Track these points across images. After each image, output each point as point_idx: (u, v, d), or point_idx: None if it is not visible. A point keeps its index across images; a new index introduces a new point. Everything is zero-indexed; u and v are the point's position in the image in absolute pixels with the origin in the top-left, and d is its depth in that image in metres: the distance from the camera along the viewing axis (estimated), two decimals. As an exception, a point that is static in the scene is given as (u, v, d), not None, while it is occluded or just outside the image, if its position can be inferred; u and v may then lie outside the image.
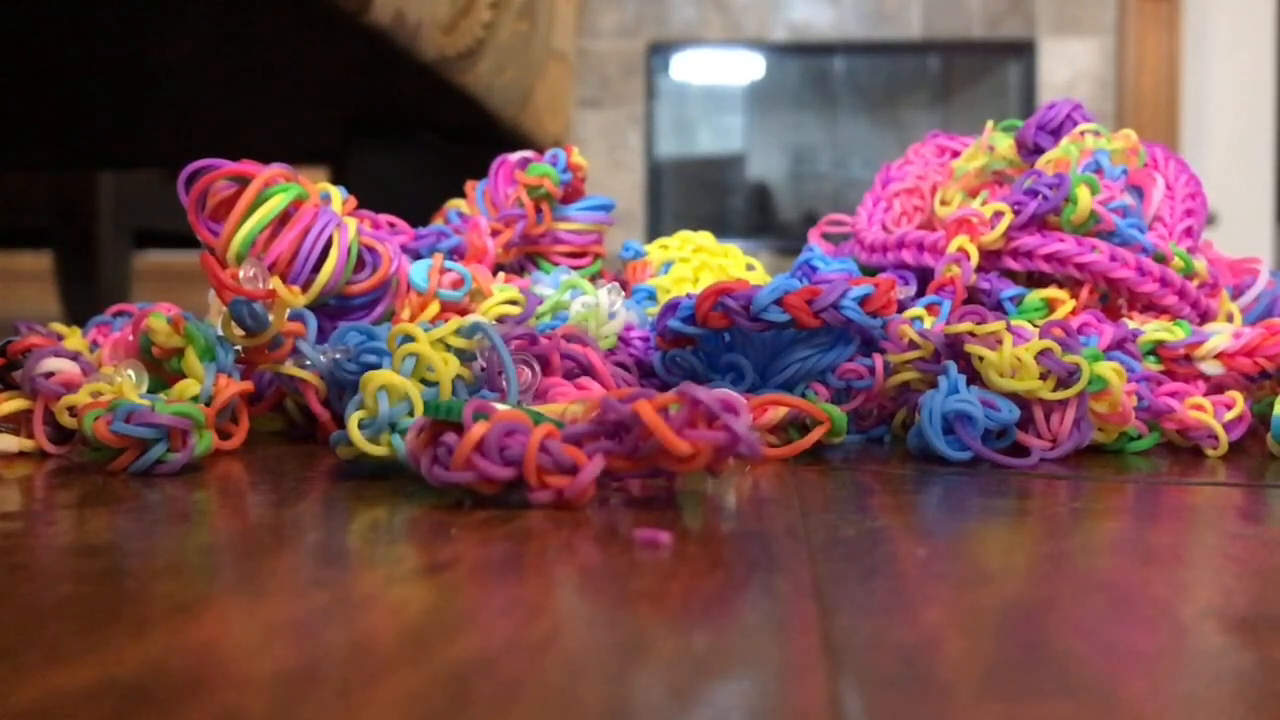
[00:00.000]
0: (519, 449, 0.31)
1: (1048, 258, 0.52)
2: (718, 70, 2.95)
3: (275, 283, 0.43)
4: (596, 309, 0.51)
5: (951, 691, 0.18)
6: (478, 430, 0.31)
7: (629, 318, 0.52)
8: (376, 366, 0.41)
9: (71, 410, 0.39)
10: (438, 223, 0.61)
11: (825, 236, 0.68)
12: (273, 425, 0.48)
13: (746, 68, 2.95)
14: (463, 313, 0.50)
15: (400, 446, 0.35)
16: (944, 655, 0.19)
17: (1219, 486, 0.39)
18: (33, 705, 0.16)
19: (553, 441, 0.31)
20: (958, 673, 0.18)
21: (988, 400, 0.41)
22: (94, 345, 0.50)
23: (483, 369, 0.41)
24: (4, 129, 1.18)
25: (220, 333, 0.42)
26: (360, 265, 0.47)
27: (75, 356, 0.42)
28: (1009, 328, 0.43)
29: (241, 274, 0.43)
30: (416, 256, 0.55)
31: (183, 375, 0.40)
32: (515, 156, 0.60)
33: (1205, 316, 0.54)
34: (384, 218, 0.56)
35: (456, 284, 0.50)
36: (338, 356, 0.42)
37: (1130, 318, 0.52)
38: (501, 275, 0.56)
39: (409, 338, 0.39)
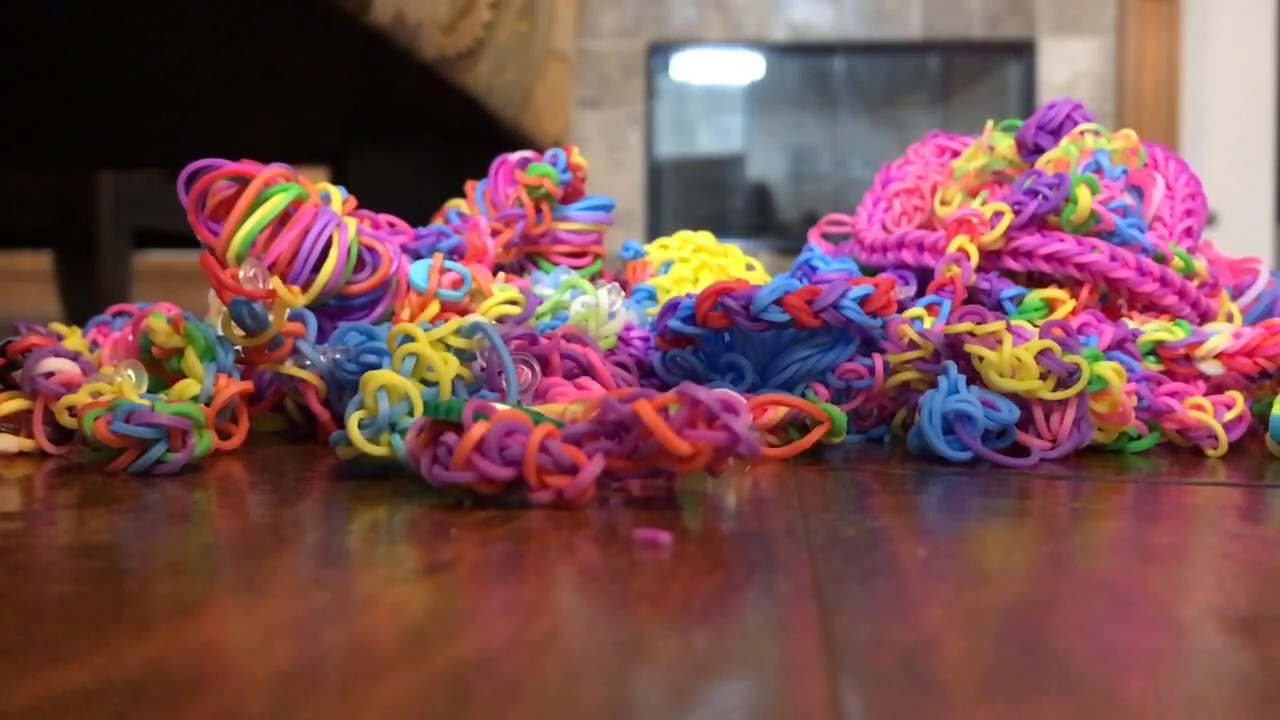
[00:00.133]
0: (519, 449, 0.31)
1: (1048, 258, 0.52)
2: (718, 70, 2.95)
3: (275, 283, 0.43)
4: (596, 309, 0.51)
5: (951, 691, 0.18)
6: (478, 430, 0.31)
7: (629, 318, 0.52)
8: (376, 366, 0.41)
9: (71, 410, 0.39)
10: (438, 223, 0.61)
11: (825, 236, 0.68)
12: (273, 425, 0.48)
13: (746, 68, 2.95)
14: (463, 313, 0.50)
15: (400, 446, 0.35)
16: (944, 655, 0.19)
17: (1219, 486, 0.39)
18: (33, 705, 0.16)
19: (553, 441, 0.31)
20: (958, 673, 0.18)
21: (988, 400, 0.41)
22: (94, 345, 0.50)
23: (483, 369, 0.41)
24: (4, 129, 1.18)
25: (220, 333, 0.42)
26: (360, 265, 0.47)
27: (75, 356, 0.42)
28: (1009, 328, 0.43)
29: (241, 274, 0.43)
30: (416, 256, 0.55)
31: (183, 375, 0.40)
32: (515, 156, 0.60)
33: (1205, 316, 0.54)
34: (384, 218, 0.56)
35: (456, 284, 0.50)
36: (338, 356, 0.42)
37: (1130, 318, 0.52)
38: (501, 275, 0.56)
39: (409, 338, 0.39)
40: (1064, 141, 0.57)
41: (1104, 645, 0.20)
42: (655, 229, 2.85)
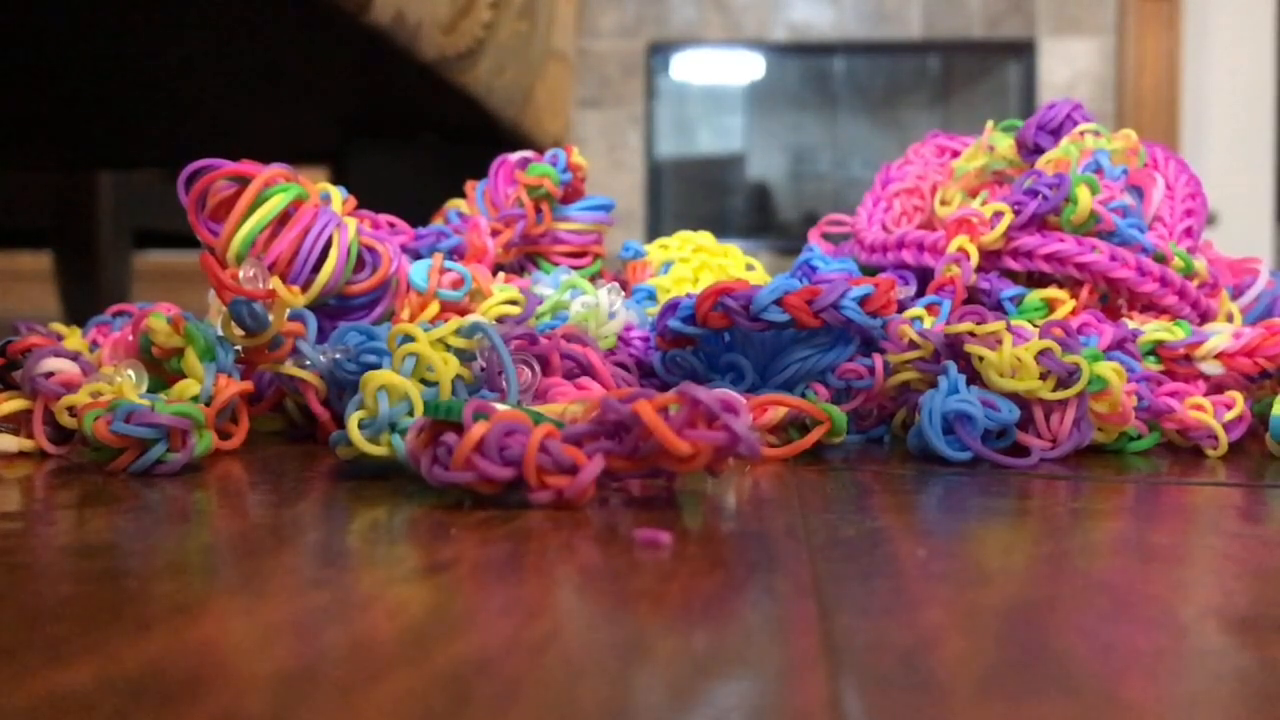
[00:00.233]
0: (519, 449, 0.31)
1: (1048, 258, 0.52)
2: (718, 70, 2.95)
3: (275, 283, 0.43)
4: (596, 309, 0.51)
5: (951, 691, 0.18)
6: (478, 430, 0.31)
7: (629, 318, 0.52)
8: (376, 366, 0.41)
9: (71, 410, 0.39)
10: (438, 223, 0.61)
11: (825, 236, 0.68)
12: (273, 425, 0.48)
13: (746, 68, 2.95)
14: (463, 313, 0.50)
15: (400, 446, 0.35)
16: (944, 655, 0.19)
17: (1219, 486, 0.39)
18: (33, 705, 0.16)
19: (553, 441, 0.31)
20: (958, 673, 0.18)
21: (988, 400, 0.41)
22: (94, 345, 0.50)
23: (483, 369, 0.41)
24: (4, 129, 1.18)
25: (220, 333, 0.42)
26: (360, 265, 0.47)
27: (75, 356, 0.42)
28: (1009, 328, 0.43)
29: (241, 274, 0.43)
30: (416, 256, 0.55)
31: (183, 375, 0.40)
32: (515, 156, 0.60)
33: (1205, 316, 0.54)
34: (384, 218, 0.56)
35: (456, 284, 0.50)
36: (338, 356, 0.42)
37: (1130, 318, 0.52)
38: (501, 275, 0.56)
39: (409, 338, 0.39)
40: (1064, 141, 0.57)
41: (1104, 645, 0.20)
42: (655, 229, 2.85)
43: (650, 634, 0.21)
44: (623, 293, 0.53)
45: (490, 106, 1.05)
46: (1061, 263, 0.52)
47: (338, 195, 0.48)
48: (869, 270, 0.58)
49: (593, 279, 0.61)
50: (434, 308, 0.49)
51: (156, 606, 0.22)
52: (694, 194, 2.98)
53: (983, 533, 0.31)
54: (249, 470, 0.39)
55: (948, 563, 0.26)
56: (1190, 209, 0.57)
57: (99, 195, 1.40)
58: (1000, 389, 0.41)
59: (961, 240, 0.52)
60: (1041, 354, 0.41)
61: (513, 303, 0.51)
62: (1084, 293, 0.52)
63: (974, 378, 0.43)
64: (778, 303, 0.43)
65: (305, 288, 0.45)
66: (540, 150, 0.62)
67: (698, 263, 0.64)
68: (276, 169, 0.44)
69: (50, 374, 0.41)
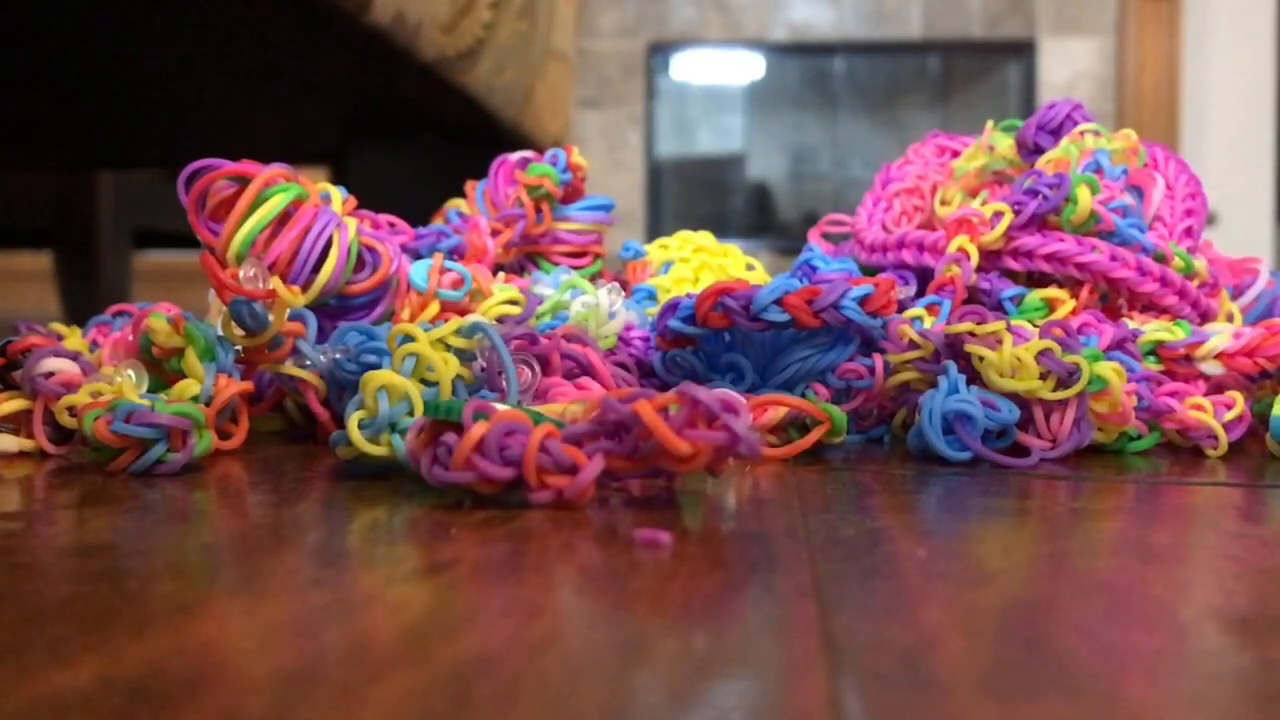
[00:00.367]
0: (519, 449, 0.31)
1: (1048, 258, 0.52)
2: (718, 70, 2.95)
3: (275, 283, 0.43)
4: (596, 309, 0.51)
5: (951, 691, 0.18)
6: (478, 430, 0.31)
7: (629, 318, 0.52)
8: (376, 366, 0.41)
9: (71, 410, 0.39)
10: (438, 223, 0.61)
11: (825, 236, 0.68)
12: (273, 425, 0.48)
13: (746, 68, 2.95)
14: (463, 313, 0.50)
15: (400, 446, 0.35)
16: (944, 655, 0.19)
17: (1219, 486, 0.39)
18: (33, 705, 0.16)
19: (553, 441, 0.31)
20: (957, 673, 0.18)
21: (988, 400, 0.41)
22: (94, 345, 0.50)
23: (483, 369, 0.41)
24: (4, 129, 1.18)
25: (220, 333, 0.42)
26: (360, 265, 0.47)
27: (75, 356, 0.42)
28: (1009, 328, 0.43)
29: (241, 274, 0.43)
30: (416, 256, 0.55)
31: (183, 375, 0.40)
32: (515, 156, 0.60)
33: (1205, 316, 0.54)
34: (384, 218, 0.56)
35: (456, 284, 0.50)
36: (338, 356, 0.42)
37: (1130, 318, 0.52)
38: (501, 275, 0.56)
39: (409, 338, 0.39)
40: (1064, 141, 0.57)
41: (1104, 645, 0.20)
42: (655, 229, 2.85)
43: (650, 634, 0.21)
44: (623, 293, 0.53)
45: (490, 106, 1.05)
46: (1062, 263, 0.52)
47: (338, 195, 0.48)
48: (869, 270, 0.58)
49: (593, 279, 0.61)
50: (434, 308, 0.49)
51: (156, 606, 0.22)
52: (694, 194, 2.98)
53: (983, 533, 0.31)
54: (249, 470, 0.39)
55: (948, 563, 0.26)
56: (1190, 209, 0.57)
57: (99, 195, 1.40)
58: (1000, 389, 0.41)
59: (961, 240, 0.52)
60: (1041, 354, 0.41)
61: (513, 303, 0.51)
62: (1084, 293, 0.52)
63: (974, 378, 0.43)
64: (778, 303, 0.43)
65: (305, 288, 0.45)
66: (540, 150, 0.62)
67: (698, 263, 0.64)
68: (276, 169, 0.44)
69: (50, 374, 0.41)
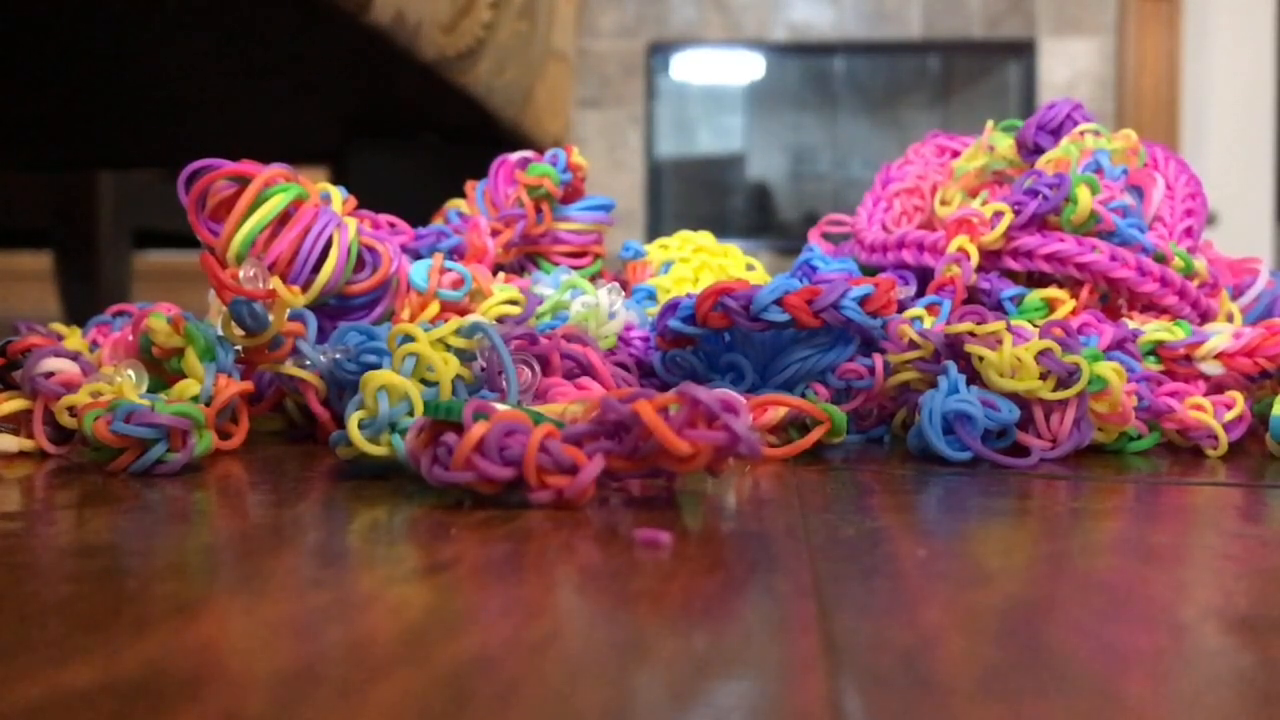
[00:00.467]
0: (519, 449, 0.31)
1: (1048, 258, 0.52)
2: (718, 70, 2.95)
3: (275, 283, 0.43)
4: (596, 309, 0.51)
5: (951, 691, 0.18)
6: (478, 430, 0.31)
7: (629, 318, 0.52)
8: (376, 366, 0.41)
9: (71, 410, 0.39)
10: (438, 223, 0.61)
11: (825, 236, 0.68)
12: (273, 425, 0.48)
13: (746, 68, 2.95)
14: (463, 313, 0.50)
15: (400, 446, 0.35)
16: (944, 655, 0.19)
17: (1219, 486, 0.39)
18: (33, 705, 0.16)
19: (553, 441, 0.31)
20: (957, 673, 0.18)
21: (988, 400, 0.41)
22: (94, 345, 0.50)
23: (483, 369, 0.41)
24: (4, 129, 1.18)
25: (220, 333, 0.42)
26: (360, 265, 0.47)
27: (75, 356, 0.42)
28: (1009, 328, 0.43)
29: (241, 274, 0.43)
30: (416, 256, 0.55)
31: (183, 375, 0.40)
32: (515, 156, 0.60)
33: (1205, 316, 0.54)
34: (384, 218, 0.56)
35: (456, 284, 0.50)
36: (338, 356, 0.42)
37: (1130, 318, 0.52)
38: (501, 275, 0.56)
39: (409, 338, 0.39)
40: (1064, 141, 0.57)
41: (1104, 645, 0.20)
42: (655, 229, 2.85)
43: (650, 634, 0.21)
44: (623, 293, 0.53)
45: (490, 106, 1.05)
46: (1062, 263, 0.52)
47: (338, 195, 0.48)
48: (869, 270, 0.58)
49: (593, 279, 0.61)
50: (434, 308, 0.49)
51: (156, 606, 0.22)
52: (694, 194, 2.98)
53: (983, 533, 0.31)
54: (249, 470, 0.39)
55: (948, 563, 0.26)
56: (1190, 209, 0.57)
57: (99, 195, 1.40)
58: (1000, 389, 0.41)
59: (961, 240, 0.52)
60: (1041, 354, 0.41)
61: (513, 303, 0.51)
62: (1084, 293, 0.52)
63: (974, 378, 0.43)
64: (778, 303, 0.43)
65: (305, 288, 0.45)
66: (540, 150, 0.62)
67: (698, 263, 0.64)
68: (276, 169, 0.44)
69: (50, 374, 0.41)
